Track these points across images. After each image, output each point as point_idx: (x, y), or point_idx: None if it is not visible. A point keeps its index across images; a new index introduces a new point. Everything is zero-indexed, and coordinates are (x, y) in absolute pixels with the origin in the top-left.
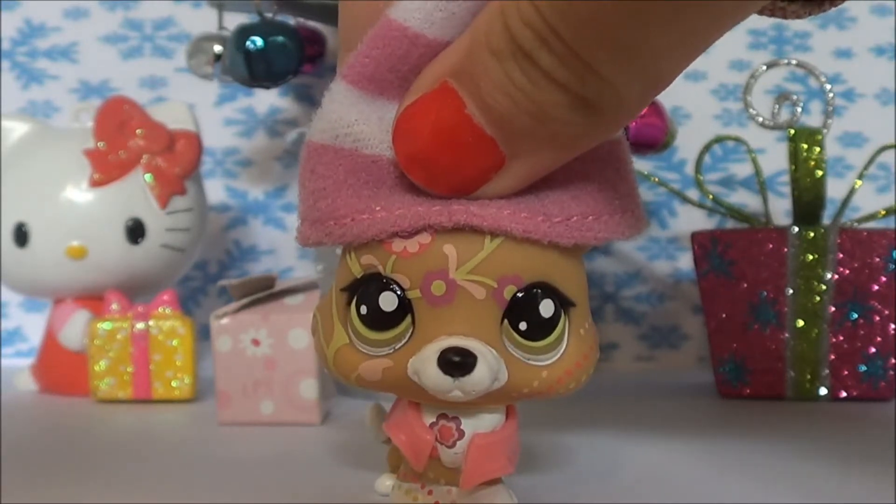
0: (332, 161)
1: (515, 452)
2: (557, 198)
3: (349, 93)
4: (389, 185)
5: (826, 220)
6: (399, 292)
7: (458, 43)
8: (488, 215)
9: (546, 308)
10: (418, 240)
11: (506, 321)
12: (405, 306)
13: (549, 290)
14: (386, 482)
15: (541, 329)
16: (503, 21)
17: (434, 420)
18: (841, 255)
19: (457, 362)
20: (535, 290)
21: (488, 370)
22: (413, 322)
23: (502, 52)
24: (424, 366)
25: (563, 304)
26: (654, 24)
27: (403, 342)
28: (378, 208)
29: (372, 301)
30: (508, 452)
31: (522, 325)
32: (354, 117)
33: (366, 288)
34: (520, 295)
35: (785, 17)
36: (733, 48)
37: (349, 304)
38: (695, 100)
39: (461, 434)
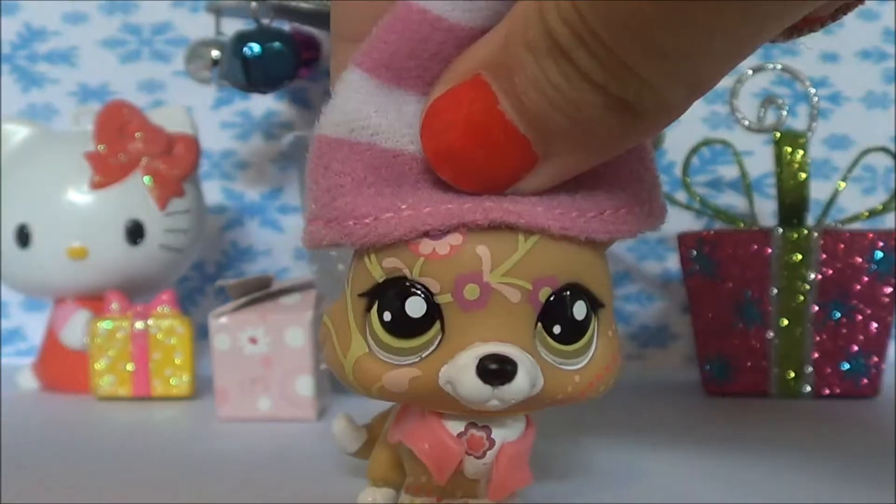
0: (349, 156)
1: None
2: (588, 192)
3: (365, 82)
4: (412, 182)
5: (811, 221)
6: (426, 297)
7: (492, 34)
8: (524, 212)
9: (579, 310)
10: (449, 241)
11: (539, 325)
12: (433, 312)
13: (581, 291)
14: (370, 497)
15: (574, 332)
16: (540, 16)
17: (462, 430)
18: (824, 256)
19: (496, 370)
20: (566, 292)
21: (528, 377)
22: (442, 328)
23: (539, 49)
24: (461, 374)
25: (593, 305)
26: (696, 27)
27: (431, 350)
28: (404, 206)
29: (397, 307)
30: (528, 461)
31: (556, 329)
32: (372, 109)
33: (389, 293)
34: (553, 297)
35: (812, 30)
36: None
37: (368, 310)
38: None
39: (492, 444)
